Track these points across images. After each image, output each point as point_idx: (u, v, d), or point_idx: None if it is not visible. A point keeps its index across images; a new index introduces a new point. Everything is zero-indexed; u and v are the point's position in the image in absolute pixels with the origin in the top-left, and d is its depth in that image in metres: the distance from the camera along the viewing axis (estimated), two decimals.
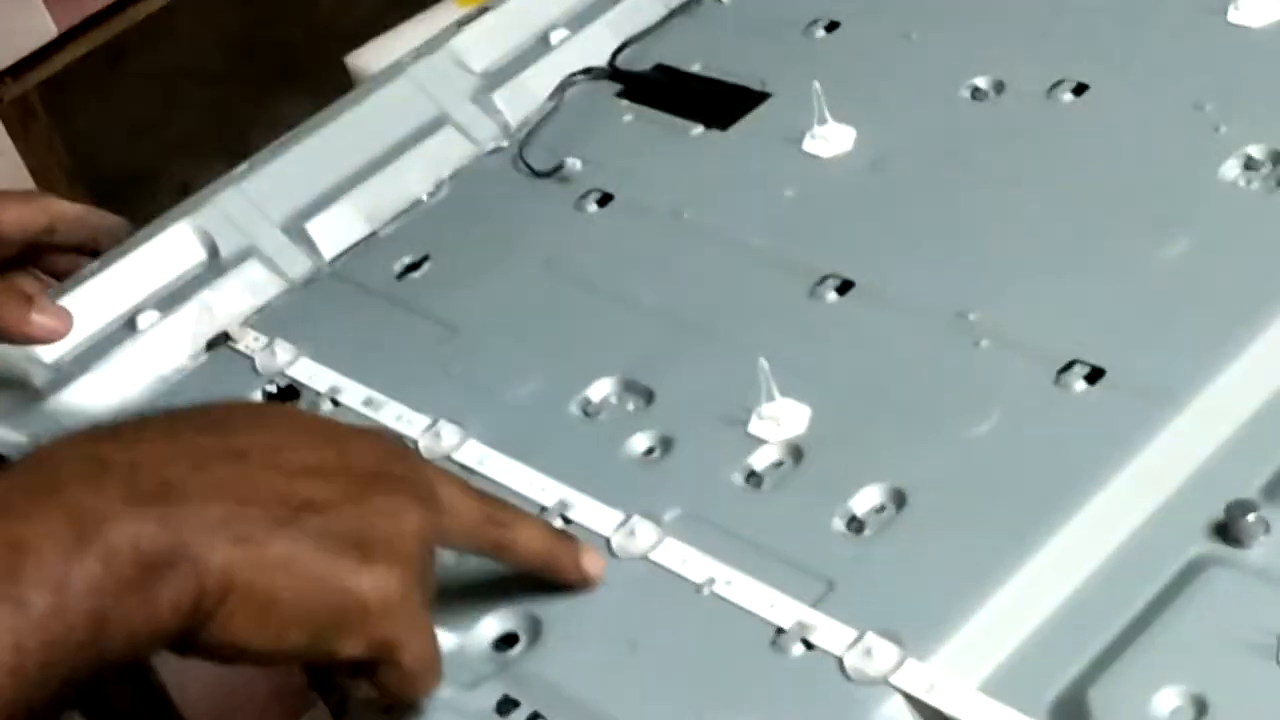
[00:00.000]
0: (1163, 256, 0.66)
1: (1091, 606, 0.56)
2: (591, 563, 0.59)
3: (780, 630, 0.57)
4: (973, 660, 0.55)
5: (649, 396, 0.68)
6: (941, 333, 0.66)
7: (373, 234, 0.81)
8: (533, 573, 0.59)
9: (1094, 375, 0.62)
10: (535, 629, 0.59)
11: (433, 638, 0.55)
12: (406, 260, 0.79)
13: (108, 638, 0.48)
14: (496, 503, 0.59)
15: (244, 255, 0.79)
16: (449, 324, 0.74)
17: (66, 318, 0.74)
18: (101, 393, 0.75)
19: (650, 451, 0.66)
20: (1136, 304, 0.65)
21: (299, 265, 0.79)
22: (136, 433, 0.53)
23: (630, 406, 0.68)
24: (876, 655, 0.55)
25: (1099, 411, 0.61)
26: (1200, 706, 0.51)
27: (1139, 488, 0.58)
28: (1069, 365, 0.63)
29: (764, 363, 0.64)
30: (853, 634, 0.56)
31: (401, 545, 0.53)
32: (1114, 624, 0.55)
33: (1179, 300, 0.64)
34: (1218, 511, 0.56)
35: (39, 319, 0.73)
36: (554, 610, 0.59)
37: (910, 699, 0.54)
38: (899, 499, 0.60)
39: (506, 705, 0.57)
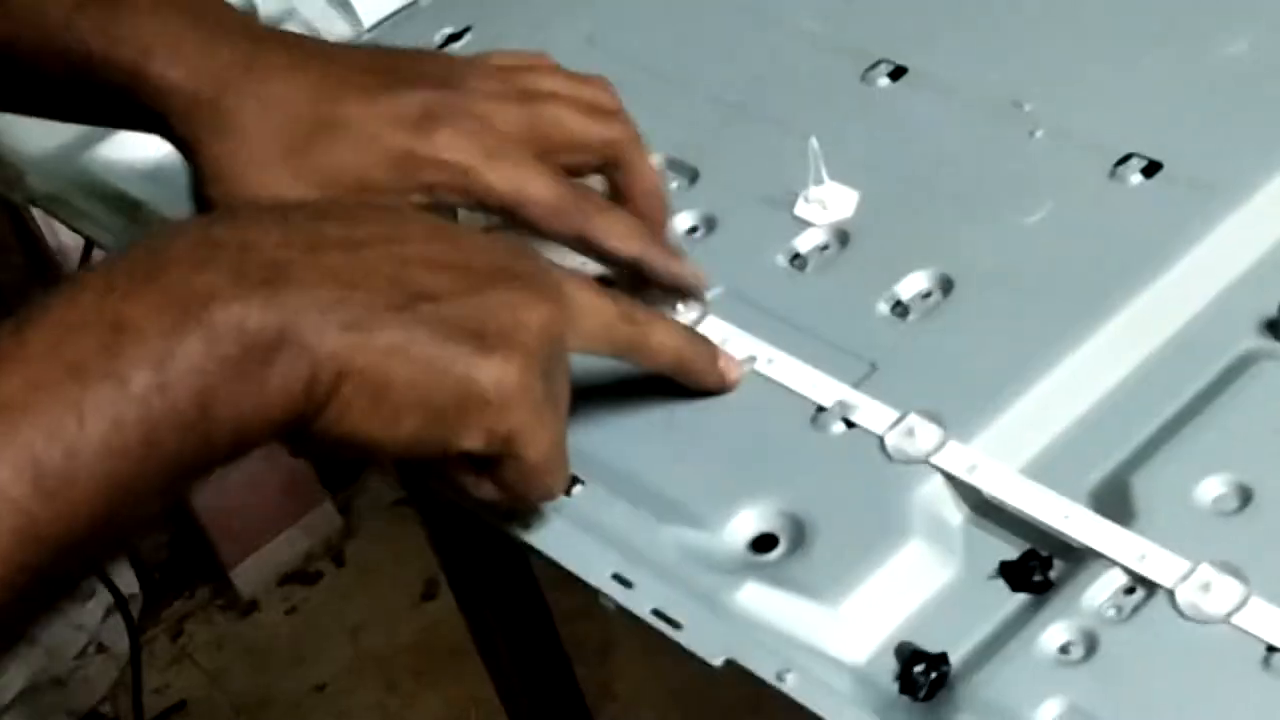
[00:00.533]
0: (1224, 53, 0.65)
1: (1138, 396, 0.55)
2: (730, 366, 0.58)
3: (821, 409, 0.57)
4: (1015, 444, 0.54)
5: (693, 176, 0.67)
6: (996, 121, 0.65)
7: (414, 2, 0.79)
8: (668, 374, 0.57)
9: (1151, 168, 0.61)
10: (574, 402, 0.59)
11: (559, 437, 0.53)
12: (447, 31, 0.77)
13: (214, 420, 0.47)
14: (629, 301, 0.57)
15: (283, 18, 0.78)
16: None
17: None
18: (136, 149, 0.74)
19: (693, 230, 0.65)
20: (1197, 99, 0.64)
21: (338, 30, 0.78)
22: (251, 217, 0.51)
23: (674, 184, 0.67)
24: (918, 435, 0.55)
25: (1154, 204, 0.60)
26: (1244, 495, 0.51)
27: (1191, 282, 0.58)
28: (1126, 158, 0.62)
29: (814, 142, 0.62)
30: (895, 414, 0.56)
31: (522, 338, 0.51)
32: (1160, 414, 0.54)
33: (1239, 97, 0.63)
34: (1269, 308, 0.56)
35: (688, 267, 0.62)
36: (593, 384, 0.59)
37: (950, 479, 0.54)
38: (946, 285, 0.60)
39: None
